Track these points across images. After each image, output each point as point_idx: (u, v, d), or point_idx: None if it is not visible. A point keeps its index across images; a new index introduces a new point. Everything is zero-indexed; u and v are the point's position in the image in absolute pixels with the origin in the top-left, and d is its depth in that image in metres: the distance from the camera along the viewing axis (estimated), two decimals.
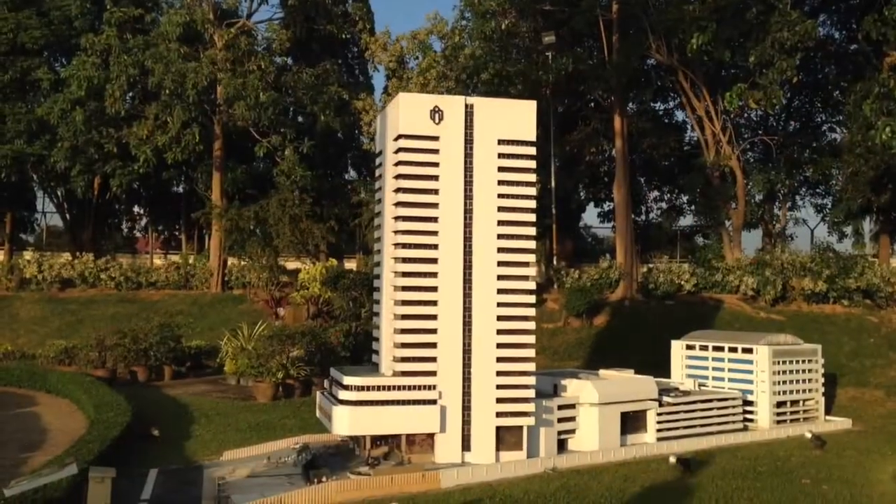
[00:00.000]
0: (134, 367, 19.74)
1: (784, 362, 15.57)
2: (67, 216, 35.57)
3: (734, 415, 14.67)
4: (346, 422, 10.88)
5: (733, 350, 15.77)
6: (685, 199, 36.25)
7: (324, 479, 10.07)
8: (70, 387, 16.72)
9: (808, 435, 13.92)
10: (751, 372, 15.44)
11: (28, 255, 32.76)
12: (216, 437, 13.32)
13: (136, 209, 39.73)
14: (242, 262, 29.42)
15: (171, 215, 39.07)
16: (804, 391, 15.85)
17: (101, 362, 19.59)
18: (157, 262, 34.30)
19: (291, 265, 30.40)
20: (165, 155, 27.49)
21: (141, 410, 14.07)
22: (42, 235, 41.15)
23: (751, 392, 15.31)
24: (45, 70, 29.86)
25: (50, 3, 30.16)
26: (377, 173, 12.93)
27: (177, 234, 40.81)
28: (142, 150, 27.16)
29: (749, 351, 15.55)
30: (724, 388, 15.46)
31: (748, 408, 15.17)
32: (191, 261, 30.86)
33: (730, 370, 15.73)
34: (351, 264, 31.78)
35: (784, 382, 15.49)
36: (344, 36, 32.95)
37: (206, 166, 31.15)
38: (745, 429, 14.81)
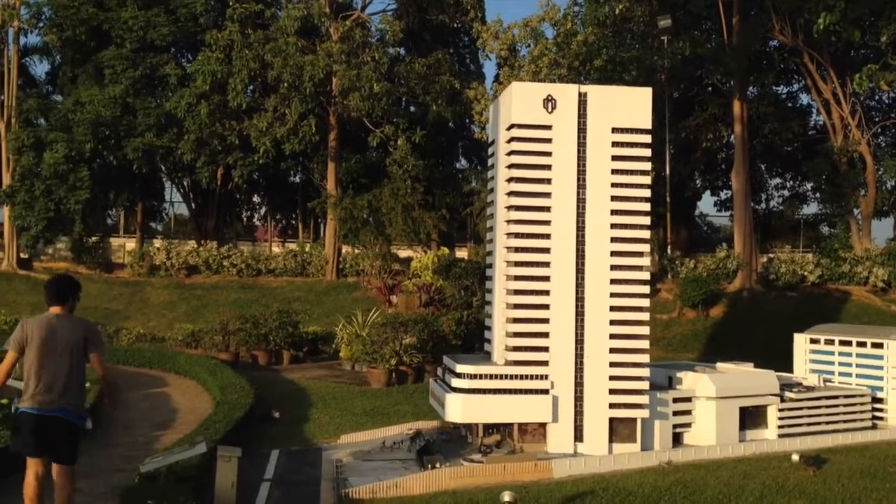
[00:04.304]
0: (255, 351, 20.54)
1: None
2: (193, 205, 37.26)
3: (862, 412, 13.97)
4: (458, 409, 10.97)
5: (861, 345, 14.99)
6: (809, 186, 34.78)
7: (437, 465, 10.20)
8: (196, 368, 17.56)
9: None
10: (881, 368, 14.64)
11: (157, 242, 34.56)
12: (333, 421, 13.69)
13: (255, 198, 41.23)
14: (356, 251, 30.10)
15: (288, 204, 40.34)
16: None
17: (224, 346, 20.47)
18: (276, 249, 35.54)
19: (404, 254, 30.89)
20: (283, 146, 28.39)
21: (262, 393, 14.61)
22: (170, 224, 43.32)
23: (881, 389, 14.52)
24: (172, 66, 31.28)
25: (177, 0, 31.53)
26: (489, 162, 12.94)
27: (293, 222, 42.09)
28: (261, 142, 28.13)
29: (879, 346, 14.76)
30: (851, 384, 14.75)
31: (877, 405, 14.42)
32: (307, 249, 31.79)
33: (857, 366, 14.96)
34: (462, 253, 32.00)
35: None
36: (455, 25, 33.09)
37: (321, 157, 32.01)
38: (874, 427, 14.09)
